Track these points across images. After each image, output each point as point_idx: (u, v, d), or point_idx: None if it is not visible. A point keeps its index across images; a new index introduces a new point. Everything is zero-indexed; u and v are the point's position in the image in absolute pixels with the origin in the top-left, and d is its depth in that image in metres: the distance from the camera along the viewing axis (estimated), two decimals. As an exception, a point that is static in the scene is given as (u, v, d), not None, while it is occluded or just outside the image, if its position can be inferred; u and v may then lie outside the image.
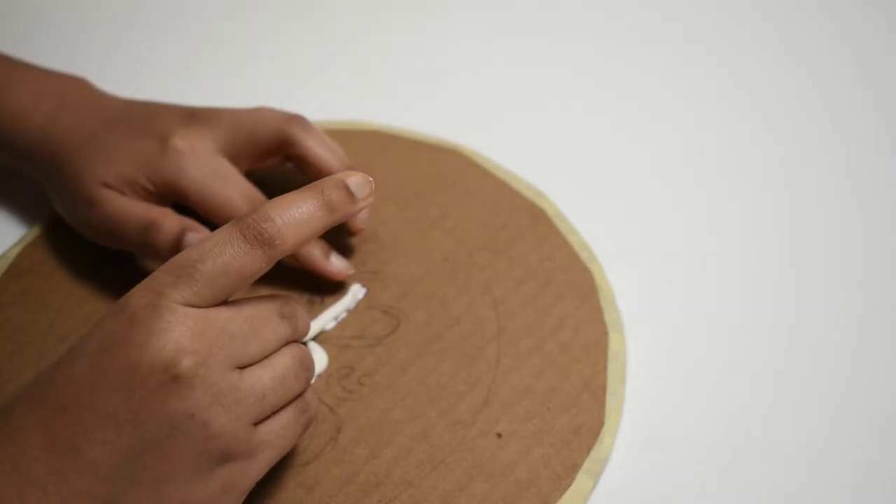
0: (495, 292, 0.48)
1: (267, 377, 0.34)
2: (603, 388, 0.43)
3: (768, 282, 0.50)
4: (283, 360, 0.35)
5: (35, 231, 0.51)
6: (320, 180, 0.35)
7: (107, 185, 0.46)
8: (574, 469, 0.41)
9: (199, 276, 0.32)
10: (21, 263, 0.49)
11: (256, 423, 0.34)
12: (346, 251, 0.49)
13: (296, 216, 0.33)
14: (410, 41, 0.65)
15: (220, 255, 0.32)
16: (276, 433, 0.34)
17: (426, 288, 0.48)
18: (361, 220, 0.48)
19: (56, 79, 0.50)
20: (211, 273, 0.32)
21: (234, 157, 0.47)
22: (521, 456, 0.41)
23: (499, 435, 0.42)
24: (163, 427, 0.31)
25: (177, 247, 0.45)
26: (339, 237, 0.49)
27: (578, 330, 0.46)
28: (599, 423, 0.42)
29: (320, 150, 0.46)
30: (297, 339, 0.36)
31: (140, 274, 0.46)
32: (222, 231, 0.33)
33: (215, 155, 0.46)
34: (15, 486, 0.31)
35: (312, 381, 0.44)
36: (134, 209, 0.45)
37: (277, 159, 0.48)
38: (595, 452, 0.41)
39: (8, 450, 0.31)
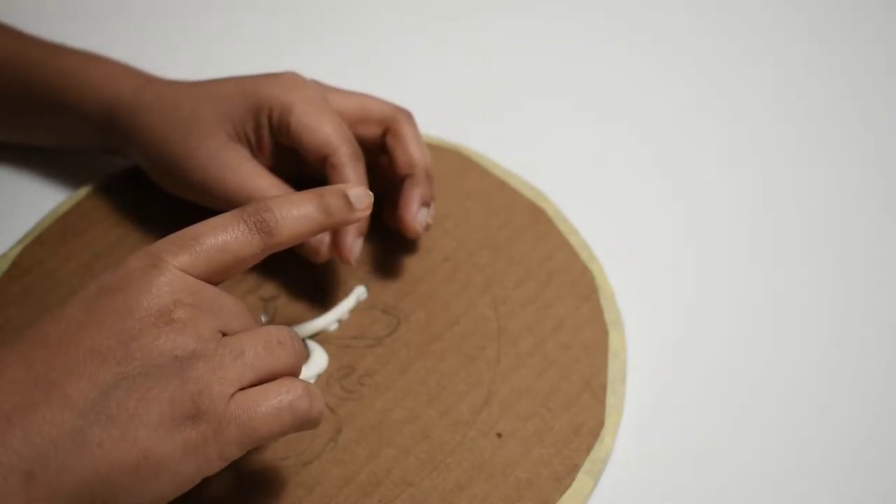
0: (495, 292, 0.48)
1: (247, 337, 0.34)
2: (603, 387, 0.43)
3: (769, 282, 0.50)
4: (267, 329, 0.34)
5: (35, 231, 0.51)
6: (323, 187, 0.37)
7: (226, 142, 0.46)
8: (574, 469, 0.41)
9: (200, 248, 0.34)
10: (21, 263, 0.49)
11: (237, 392, 0.33)
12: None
13: (294, 213, 0.36)
14: (410, 41, 0.65)
15: (223, 233, 0.35)
16: (252, 413, 0.32)
17: (426, 288, 0.48)
18: (354, 255, 0.45)
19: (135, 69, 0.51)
20: (212, 248, 0.34)
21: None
22: (521, 456, 0.41)
23: (499, 435, 0.42)
24: (146, 366, 0.32)
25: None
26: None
27: (578, 330, 0.46)
28: (599, 423, 0.42)
29: (414, 145, 0.47)
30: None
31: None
32: (226, 215, 0.35)
33: (321, 97, 0.46)
34: None
35: (312, 379, 0.44)
36: (266, 188, 0.45)
37: (372, 131, 0.48)
38: (595, 452, 0.41)
39: None
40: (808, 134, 0.58)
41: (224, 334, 0.34)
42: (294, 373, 0.35)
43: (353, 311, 0.47)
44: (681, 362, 0.46)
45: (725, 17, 0.67)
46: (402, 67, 0.63)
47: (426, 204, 0.47)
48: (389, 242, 0.49)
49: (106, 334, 0.32)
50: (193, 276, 0.34)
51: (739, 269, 0.50)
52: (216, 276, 0.35)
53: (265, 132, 0.46)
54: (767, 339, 0.47)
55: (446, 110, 0.58)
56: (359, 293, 0.47)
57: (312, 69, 0.50)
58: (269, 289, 0.48)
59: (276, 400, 0.33)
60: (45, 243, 0.50)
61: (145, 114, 0.48)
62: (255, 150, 0.47)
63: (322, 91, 0.47)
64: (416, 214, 0.46)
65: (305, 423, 0.34)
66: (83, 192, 0.53)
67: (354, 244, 0.45)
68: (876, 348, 0.46)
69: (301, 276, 0.48)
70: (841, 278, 0.50)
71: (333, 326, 0.46)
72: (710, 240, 0.52)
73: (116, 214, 0.51)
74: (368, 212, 0.38)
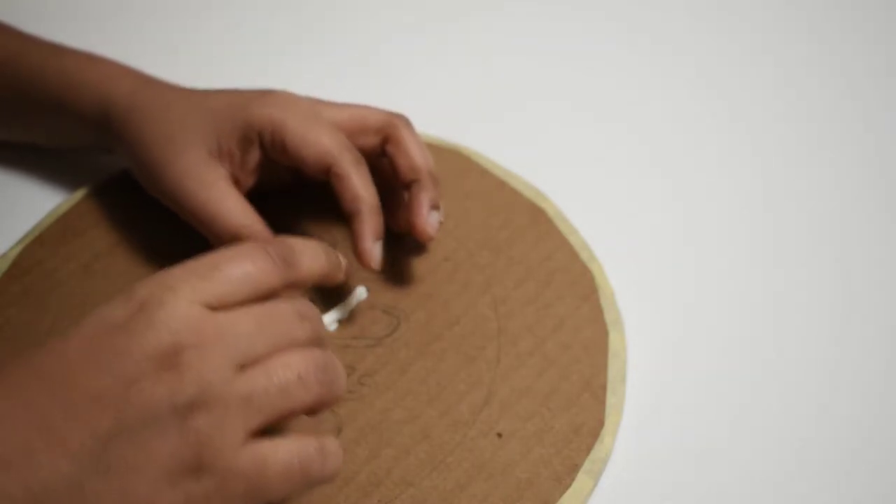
0: (495, 292, 0.48)
1: (261, 377, 0.32)
2: (603, 387, 0.43)
3: (769, 282, 0.50)
4: (288, 363, 0.32)
5: (35, 231, 0.51)
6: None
7: (205, 157, 0.46)
8: (574, 469, 0.41)
9: (219, 277, 0.32)
10: (21, 263, 0.49)
11: (251, 439, 0.31)
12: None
13: (309, 252, 0.35)
14: (410, 41, 0.65)
15: (244, 262, 0.33)
16: (261, 470, 0.31)
17: (426, 288, 0.48)
18: (375, 259, 0.45)
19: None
20: (231, 277, 0.32)
21: None
22: (521, 456, 0.41)
23: (499, 435, 0.42)
24: (144, 415, 0.30)
25: None
26: (335, 237, 0.49)
27: (578, 330, 0.46)
28: (599, 423, 0.42)
29: (416, 150, 0.47)
30: (318, 345, 0.34)
31: (142, 275, 0.46)
32: (247, 245, 0.34)
33: (313, 111, 0.46)
34: None
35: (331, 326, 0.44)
36: (231, 210, 0.45)
37: (371, 141, 0.48)
38: (595, 452, 0.41)
39: None
40: (808, 134, 0.58)
41: (244, 364, 0.32)
42: (321, 406, 0.33)
43: (353, 311, 0.47)
44: (681, 362, 0.46)
45: (725, 17, 0.67)
46: (402, 67, 0.63)
47: (435, 207, 0.47)
48: (389, 243, 0.49)
49: (106, 377, 0.31)
50: (208, 306, 0.32)
51: (739, 269, 0.50)
52: (234, 305, 0.33)
53: (254, 151, 0.46)
54: (767, 339, 0.47)
55: (446, 110, 0.58)
56: (359, 293, 0.47)
57: (312, 69, 0.50)
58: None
59: (285, 458, 0.32)
60: (45, 243, 0.50)
61: (135, 114, 0.48)
62: (238, 167, 0.47)
63: (315, 106, 0.47)
64: (427, 218, 0.46)
65: (317, 482, 0.33)
66: (83, 192, 0.53)
67: (374, 248, 0.45)
68: (876, 348, 0.46)
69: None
70: (841, 278, 0.50)
71: (333, 326, 0.46)
72: (710, 240, 0.52)
73: (116, 215, 0.51)
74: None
